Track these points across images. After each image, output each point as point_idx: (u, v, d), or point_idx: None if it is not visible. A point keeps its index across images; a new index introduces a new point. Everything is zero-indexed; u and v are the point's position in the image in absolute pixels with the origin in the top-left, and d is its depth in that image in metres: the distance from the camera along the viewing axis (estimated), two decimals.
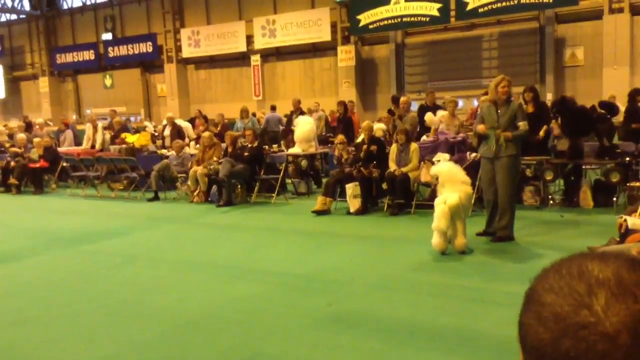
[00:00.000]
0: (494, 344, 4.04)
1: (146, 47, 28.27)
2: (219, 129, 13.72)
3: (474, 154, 8.96)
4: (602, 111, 9.03)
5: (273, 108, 16.62)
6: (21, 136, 14.62)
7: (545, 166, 8.77)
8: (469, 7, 19.63)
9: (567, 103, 9.03)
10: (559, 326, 0.69)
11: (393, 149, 9.18)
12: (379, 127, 10.94)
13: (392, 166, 9.05)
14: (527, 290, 0.78)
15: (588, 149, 9.09)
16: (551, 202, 9.07)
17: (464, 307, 4.81)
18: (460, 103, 16.58)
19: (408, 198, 8.85)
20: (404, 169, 8.87)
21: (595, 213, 8.30)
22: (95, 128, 15.10)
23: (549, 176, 8.79)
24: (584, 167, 9.16)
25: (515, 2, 18.85)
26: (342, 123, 12.57)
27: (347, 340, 4.22)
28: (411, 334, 4.27)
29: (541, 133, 8.90)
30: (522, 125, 6.80)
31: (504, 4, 19.06)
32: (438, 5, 20.20)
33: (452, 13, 20.24)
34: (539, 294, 0.74)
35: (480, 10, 19.52)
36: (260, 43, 25.11)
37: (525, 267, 5.81)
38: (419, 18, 20.76)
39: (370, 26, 21.86)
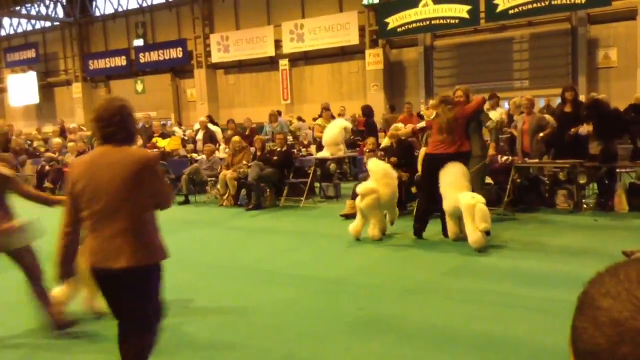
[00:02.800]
0: (527, 351, 3.99)
1: (176, 53, 28.64)
2: (247, 132, 13.81)
3: (504, 157, 8.87)
4: (633, 114, 8.86)
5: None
6: (57, 140, 14.95)
7: (579, 169, 8.61)
8: (499, 9, 19.42)
9: (600, 106, 8.87)
10: (616, 331, 0.68)
11: (422, 153, 9.11)
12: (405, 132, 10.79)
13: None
14: (580, 295, 0.77)
15: (622, 151, 8.91)
16: (585, 206, 8.91)
17: (497, 312, 4.75)
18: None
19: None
20: None
21: (630, 217, 8.12)
22: None
23: (582, 180, 8.63)
24: (618, 170, 8.97)
25: (547, 3, 18.58)
26: (366, 127, 12.52)
27: (378, 345, 4.20)
28: (443, 340, 4.23)
29: (572, 130, 8.80)
30: (490, 123, 7.64)
31: (535, 5, 18.80)
32: (467, 7, 20.03)
33: (482, 15, 20.04)
34: (594, 298, 0.73)
35: (511, 11, 19.29)
36: (288, 47, 25.23)
37: (558, 273, 5.71)
38: (448, 20, 20.61)
39: (399, 29, 21.78)
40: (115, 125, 3.05)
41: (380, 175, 7.55)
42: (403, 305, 5.03)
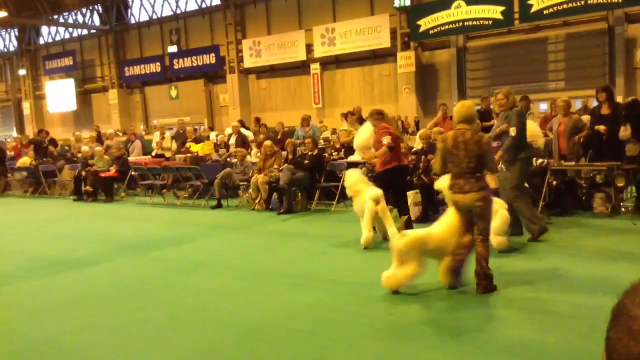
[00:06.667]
0: (560, 358, 3.90)
1: (209, 59, 29.02)
2: (279, 136, 13.87)
3: (540, 160, 8.71)
4: None
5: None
6: (85, 149, 15.31)
7: (617, 172, 8.40)
8: (534, 9, 19.13)
9: (638, 106, 8.65)
10: None
11: None
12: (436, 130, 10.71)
13: None
14: (614, 306, 0.77)
15: None
16: (623, 209, 8.69)
17: (531, 318, 4.66)
18: None
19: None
20: None
21: None
22: (163, 136, 15.65)
23: (620, 182, 8.42)
24: None
25: (582, 2, 18.23)
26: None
27: (409, 351, 4.16)
28: (475, 346, 4.17)
29: (598, 127, 8.66)
30: (510, 131, 7.09)
31: (570, 5, 18.46)
32: (501, 8, 19.79)
33: (516, 15, 19.78)
34: (628, 308, 0.73)
35: (546, 12, 18.98)
36: (319, 51, 25.32)
37: (595, 278, 5.58)
38: (482, 21, 20.41)
39: (431, 31, 21.64)
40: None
41: (360, 181, 7.76)
42: (434, 311, 4.97)
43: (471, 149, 5.27)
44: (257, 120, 18.64)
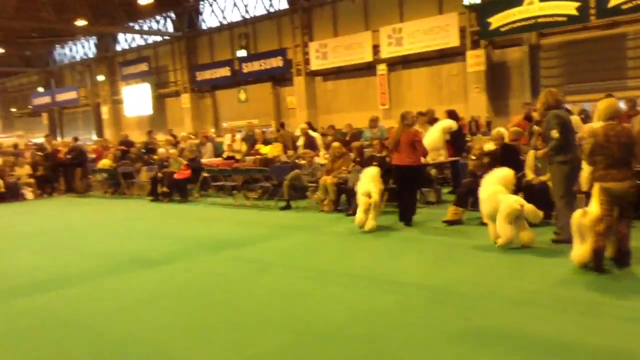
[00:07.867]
0: None
1: (277, 62, 29.43)
2: (348, 138, 13.86)
3: None
4: None
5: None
6: (161, 151, 15.86)
7: None
8: (611, 4, 18.30)
9: None
10: None
11: (530, 156, 8.76)
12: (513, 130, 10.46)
13: (530, 174, 8.63)
14: None
15: None
16: None
17: (616, 326, 4.45)
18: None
19: (548, 208, 8.34)
20: (542, 178, 8.42)
21: None
22: (233, 138, 16.00)
23: None
24: None
25: None
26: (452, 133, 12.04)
27: (486, 357, 4.06)
28: (556, 353, 4.02)
29: None
30: (552, 133, 7.03)
31: None
32: (576, 4, 19.05)
33: (592, 11, 18.99)
34: None
35: (624, 7, 18.12)
36: (386, 52, 25.17)
37: None
38: (556, 18, 19.72)
39: (502, 29, 21.11)
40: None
41: (369, 179, 8.93)
42: (511, 316, 4.82)
43: (623, 140, 5.76)
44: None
